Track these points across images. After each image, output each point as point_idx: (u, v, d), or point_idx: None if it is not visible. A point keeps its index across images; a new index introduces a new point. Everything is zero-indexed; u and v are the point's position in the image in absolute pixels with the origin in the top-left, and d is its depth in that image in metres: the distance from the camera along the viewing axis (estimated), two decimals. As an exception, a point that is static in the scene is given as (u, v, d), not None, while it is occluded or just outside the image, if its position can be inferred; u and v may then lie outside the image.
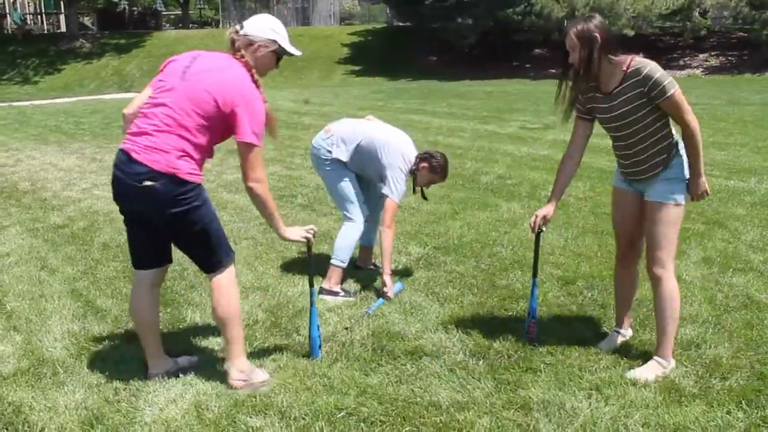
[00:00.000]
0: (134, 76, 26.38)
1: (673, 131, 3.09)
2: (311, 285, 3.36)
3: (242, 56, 2.98)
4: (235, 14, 35.66)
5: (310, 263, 3.36)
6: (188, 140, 2.86)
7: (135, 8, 37.94)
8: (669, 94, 2.92)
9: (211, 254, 3.02)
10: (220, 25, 37.83)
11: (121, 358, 3.41)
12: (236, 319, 3.08)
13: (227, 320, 3.05)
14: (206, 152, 2.98)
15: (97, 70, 27.44)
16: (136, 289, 3.18)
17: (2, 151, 10.32)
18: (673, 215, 3.09)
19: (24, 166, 8.97)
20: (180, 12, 39.64)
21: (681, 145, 3.10)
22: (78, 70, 27.54)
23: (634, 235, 3.32)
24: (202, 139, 2.89)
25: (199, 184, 2.94)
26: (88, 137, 11.55)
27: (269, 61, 3.07)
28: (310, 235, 3.17)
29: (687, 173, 3.10)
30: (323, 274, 4.32)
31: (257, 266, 4.76)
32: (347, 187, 4.29)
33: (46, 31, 35.74)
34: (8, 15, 35.34)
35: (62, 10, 35.12)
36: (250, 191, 2.97)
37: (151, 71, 26.61)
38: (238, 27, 3.05)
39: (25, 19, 36.12)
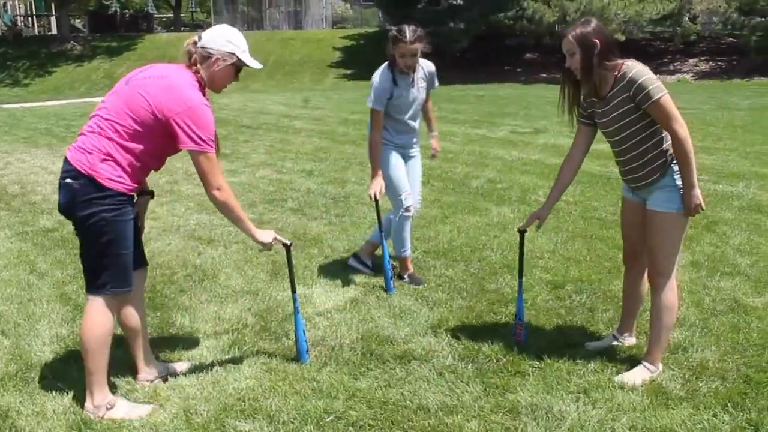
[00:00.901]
0: (125, 78, 26.29)
1: (669, 137, 3.00)
2: (293, 291, 3.35)
3: (197, 71, 2.90)
4: (227, 17, 35.60)
5: (291, 269, 3.35)
6: (117, 144, 2.77)
7: (126, 11, 37.88)
8: (654, 99, 2.86)
9: (98, 273, 2.86)
10: (212, 29, 37.74)
11: (109, 362, 3.39)
12: (96, 351, 2.89)
13: (86, 349, 2.89)
14: (142, 161, 2.84)
15: (88, 73, 27.35)
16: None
17: (-8, 154, 10.27)
18: (671, 224, 3.01)
19: (13, 169, 8.92)
20: (172, 15, 39.56)
21: None
22: (69, 73, 27.44)
23: (638, 245, 3.25)
24: (134, 145, 2.78)
25: (121, 194, 2.79)
26: (79, 140, 11.49)
27: (228, 74, 2.96)
28: (281, 240, 3.13)
29: None
30: (307, 279, 4.32)
31: (247, 270, 4.75)
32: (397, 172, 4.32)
33: (37, 33, 35.59)
34: (-2, 17, 35.20)
35: (53, 12, 34.99)
36: (213, 200, 2.88)
37: (143, 74, 26.59)
38: (196, 38, 2.95)
39: (16, 20, 35.96)
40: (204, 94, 2.91)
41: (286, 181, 7.82)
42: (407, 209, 4.36)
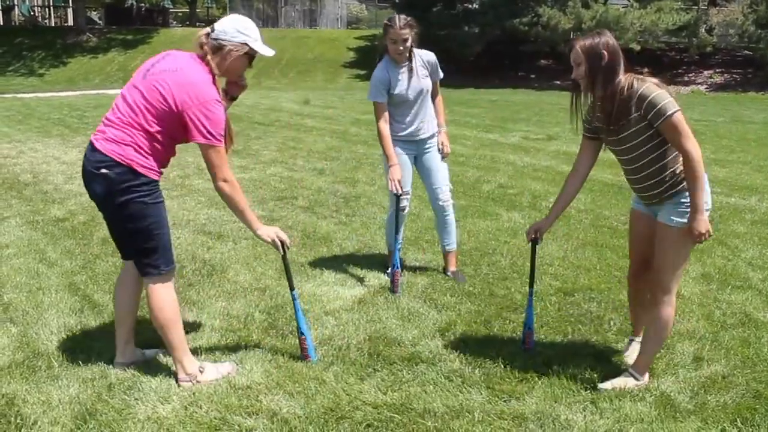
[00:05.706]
0: (139, 72, 26.41)
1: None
2: (291, 288, 3.34)
3: (208, 62, 2.97)
4: (242, 14, 35.42)
5: (287, 268, 3.33)
6: (144, 134, 2.90)
7: (143, 4, 38.01)
8: (665, 116, 2.77)
9: (149, 255, 3.02)
10: (227, 25, 37.85)
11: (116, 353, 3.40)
12: (174, 323, 3.08)
13: (164, 326, 3.07)
14: (163, 150, 2.98)
15: (103, 65, 27.48)
16: (119, 275, 3.29)
17: (5, 142, 10.33)
18: (680, 239, 2.93)
19: (26, 158, 8.97)
20: (187, 10, 39.69)
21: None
22: (83, 64, 27.58)
23: (647, 255, 3.16)
24: (157, 135, 2.92)
25: (154, 181, 2.97)
26: (92, 131, 11.48)
27: (241, 64, 3.05)
28: (280, 241, 3.16)
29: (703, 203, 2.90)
30: (316, 278, 4.30)
31: (256, 267, 4.75)
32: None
33: (53, 24, 35.79)
34: (16, 6, 35.41)
35: (70, 4, 35.20)
36: (219, 192, 3.00)
37: (157, 68, 26.70)
38: (209, 29, 3.03)
39: (33, 11, 36.17)
40: (215, 85, 2.99)
41: (296, 179, 7.82)
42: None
